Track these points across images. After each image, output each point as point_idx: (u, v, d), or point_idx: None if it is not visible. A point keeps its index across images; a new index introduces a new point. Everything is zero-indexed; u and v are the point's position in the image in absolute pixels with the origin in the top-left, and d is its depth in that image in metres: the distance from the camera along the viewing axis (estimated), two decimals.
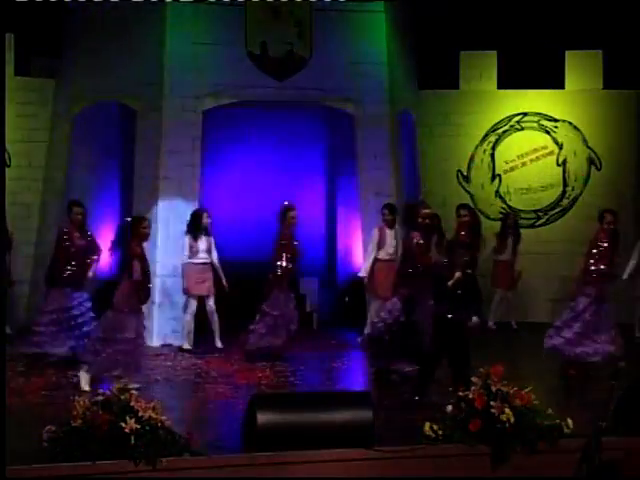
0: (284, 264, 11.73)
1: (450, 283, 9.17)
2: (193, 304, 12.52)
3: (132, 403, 7.06)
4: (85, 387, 9.76)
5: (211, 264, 12.47)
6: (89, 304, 11.43)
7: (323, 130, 15.76)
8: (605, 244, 10.75)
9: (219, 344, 12.50)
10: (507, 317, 14.86)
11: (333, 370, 11.35)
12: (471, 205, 11.96)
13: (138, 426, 6.92)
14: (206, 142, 13.59)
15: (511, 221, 14.79)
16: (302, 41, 13.78)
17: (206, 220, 12.45)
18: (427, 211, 10.59)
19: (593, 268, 10.67)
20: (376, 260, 12.74)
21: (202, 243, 12.44)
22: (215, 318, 12.50)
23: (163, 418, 7.11)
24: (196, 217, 12.47)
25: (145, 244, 10.22)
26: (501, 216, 15.07)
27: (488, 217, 15.18)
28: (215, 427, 8.26)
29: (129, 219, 10.30)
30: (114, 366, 9.80)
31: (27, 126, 14.33)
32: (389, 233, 12.85)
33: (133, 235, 9.98)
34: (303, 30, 13.78)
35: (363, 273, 12.84)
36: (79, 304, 11.38)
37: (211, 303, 12.47)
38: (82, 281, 11.41)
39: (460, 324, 9.21)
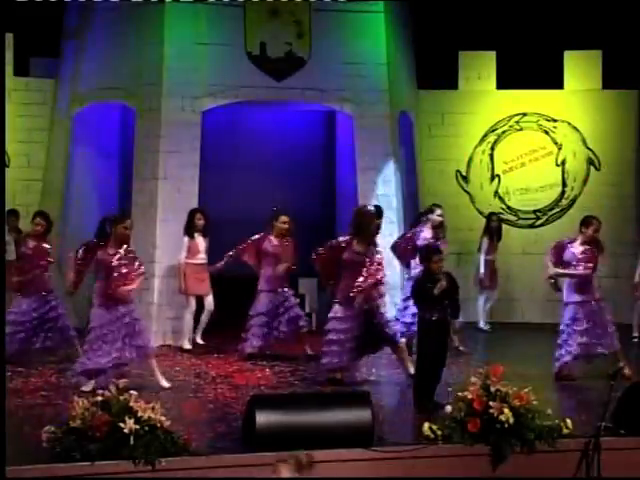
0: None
1: (436, 291, 9.06)
2: (192, 304, 12.58)
3: (131, 404, 7.06)
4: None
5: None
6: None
7: (323, 130, 15.74)
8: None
9: (200, 340, 12.61)
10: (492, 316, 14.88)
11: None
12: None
13: (137, 427, 6.94)
14: (206, 142, 13.58)
15: (495, 221, 14.75)
16: (301, 41, 13.78)
17: (199, 221, 12.49)
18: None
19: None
20: None
21: (200, 243, 12.51)
22: (208, 317, 12.55)
23: (162, 419, 7.12)
24: (190, 217, 12.54)
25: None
26: (494, 217, 14.96)
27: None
28: (215, 427, 8.25)
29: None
30: None
31: (27, 126, 14.33)
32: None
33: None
34: (302, 30, 13.78)
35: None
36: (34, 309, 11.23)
37: (210, 302, 12.53)
38: (33, 288, 11.22)
39: (443, 325, 9.19)
